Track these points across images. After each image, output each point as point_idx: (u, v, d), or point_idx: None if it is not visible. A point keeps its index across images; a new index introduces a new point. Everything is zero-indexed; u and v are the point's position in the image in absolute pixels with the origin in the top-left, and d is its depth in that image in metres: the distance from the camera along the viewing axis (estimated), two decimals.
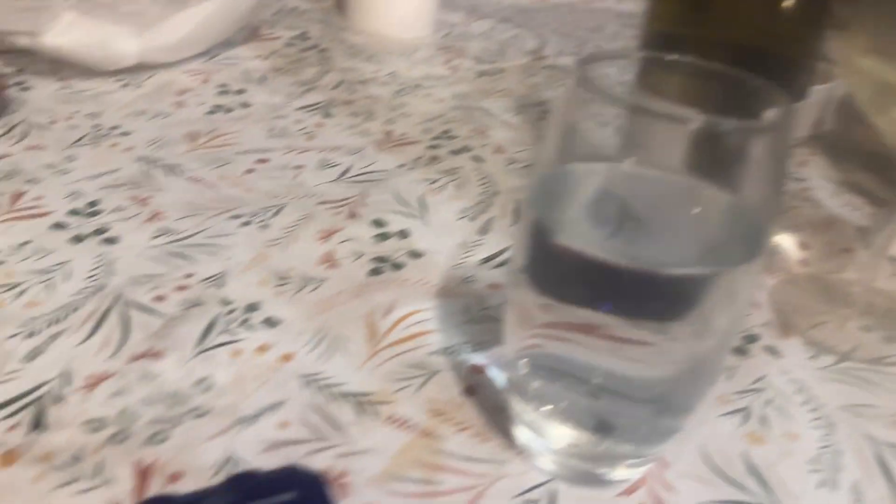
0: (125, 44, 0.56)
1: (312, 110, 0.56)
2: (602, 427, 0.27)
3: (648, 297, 0.25)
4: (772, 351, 0.37)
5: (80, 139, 0.49)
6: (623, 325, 0.25)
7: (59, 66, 0.57)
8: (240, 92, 0.58)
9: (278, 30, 0.70)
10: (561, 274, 0.26)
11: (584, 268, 0.25)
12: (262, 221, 0.42)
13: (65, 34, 0.54)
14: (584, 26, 0.83)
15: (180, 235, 0.40)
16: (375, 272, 0.39)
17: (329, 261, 0.40)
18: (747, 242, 0.26)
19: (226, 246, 0.40)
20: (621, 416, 0.27)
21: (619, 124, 0.25)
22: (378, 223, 0.43)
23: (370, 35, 0.71)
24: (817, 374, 0.36)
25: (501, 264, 0.41)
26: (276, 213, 0.43)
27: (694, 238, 0.26)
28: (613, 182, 0.27)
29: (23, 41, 0.54)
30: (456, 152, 0.52)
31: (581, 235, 0.26)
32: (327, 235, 0.42)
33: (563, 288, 0.26)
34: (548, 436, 0.28)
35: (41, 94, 0.54)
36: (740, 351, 0.37)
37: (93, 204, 0.42)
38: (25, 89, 0.54)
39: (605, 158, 0.27)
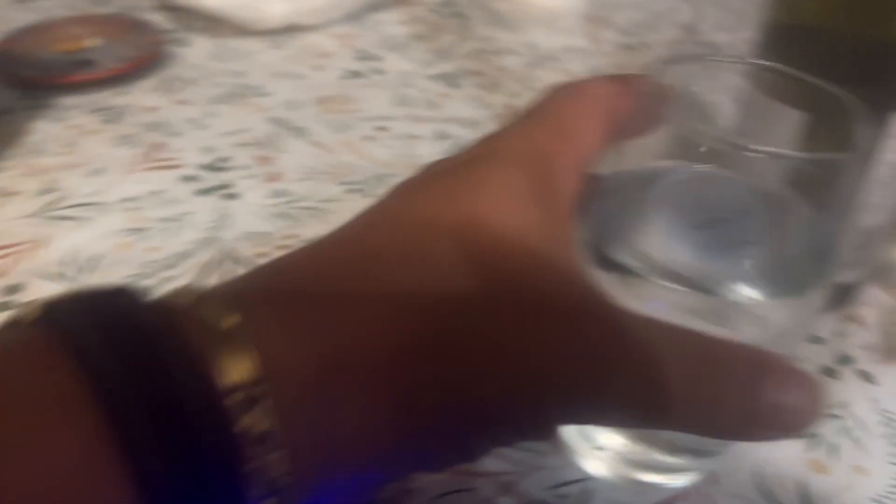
0: (272, 5, 0.59)
1: (441, 80, 0.57)
2: (651, 436, 0.27)
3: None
4: (865, 376, 0.35)
5: (222, 97, 0.53)
6: None
7: (217, 24, 0.61)
8: (377, 58, 0.60)
9: None
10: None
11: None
12: (367, 190, 0.44)
13: None
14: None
15: (293, 197, 0.43)
16: None
17: None
18: (816, 266, 0.25)
19: (331, 211, 0.42)
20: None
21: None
22: None
23: (515, 2, 0.71)
24: None
25: None
26: (383, 183, 0.45)
27: (768, 258, 0.25)
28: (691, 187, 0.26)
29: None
30: None
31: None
32: None
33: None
34: (592, 436, 0.28)
35: (196, 50, 0.59)
36: (829, 372, 0.35)
37: (223, 160, 0.46)
38: (183, 45, 0.59)
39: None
